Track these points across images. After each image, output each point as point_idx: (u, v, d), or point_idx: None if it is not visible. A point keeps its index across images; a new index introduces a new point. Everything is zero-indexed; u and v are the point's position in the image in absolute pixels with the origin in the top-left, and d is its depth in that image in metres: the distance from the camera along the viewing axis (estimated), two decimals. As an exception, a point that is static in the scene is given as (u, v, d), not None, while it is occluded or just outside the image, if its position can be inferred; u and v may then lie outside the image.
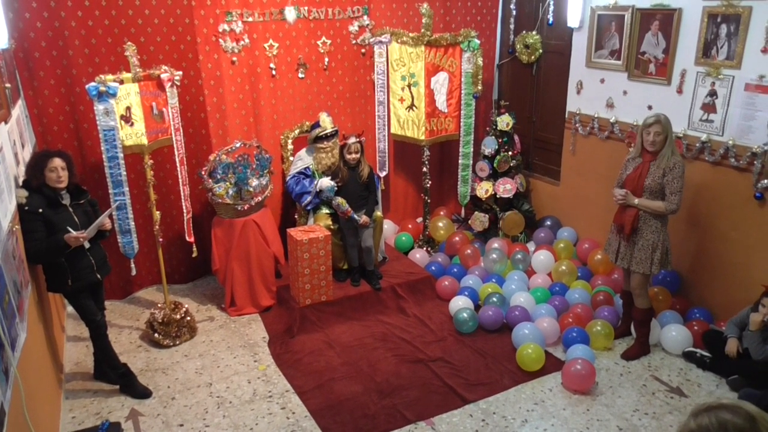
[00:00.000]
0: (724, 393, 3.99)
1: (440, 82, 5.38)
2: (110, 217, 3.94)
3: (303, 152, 5.31)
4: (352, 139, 5.02)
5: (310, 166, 5.20)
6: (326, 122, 5.15)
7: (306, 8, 5.29)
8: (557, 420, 3.80)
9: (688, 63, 4.59)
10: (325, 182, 5.08)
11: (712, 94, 4.46)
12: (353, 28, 5.57)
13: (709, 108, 4.50)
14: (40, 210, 3.53)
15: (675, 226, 4.47)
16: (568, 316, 4.63)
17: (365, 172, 5.13)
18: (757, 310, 3.92)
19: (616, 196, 4.20)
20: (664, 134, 4.00)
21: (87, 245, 3.76)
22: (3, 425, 2.31)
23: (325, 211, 5.18)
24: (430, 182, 5.82)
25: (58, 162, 3.62)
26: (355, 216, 4.99)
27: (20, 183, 3.64)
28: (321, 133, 5.12)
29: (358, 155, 5.07)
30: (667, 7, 4.65)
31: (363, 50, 5.69)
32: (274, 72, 5.31)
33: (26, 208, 3.48)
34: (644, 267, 4.18)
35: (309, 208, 5.21)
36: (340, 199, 4.97)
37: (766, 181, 4.20)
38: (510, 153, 6.01)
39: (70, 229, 3.55)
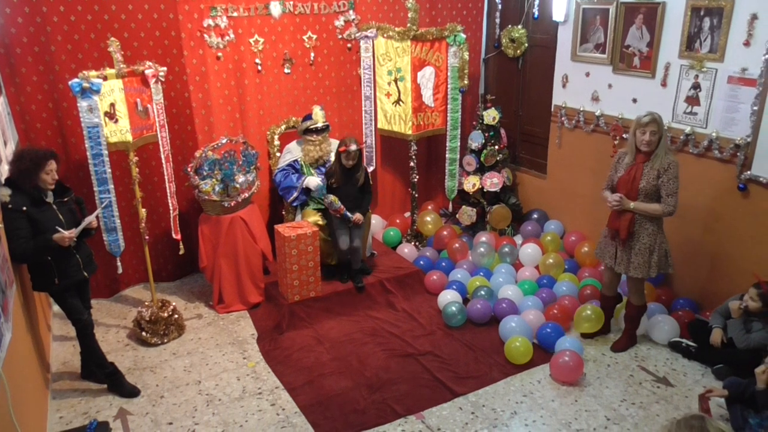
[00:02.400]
0: (710, 382, 4.04)
1: (426, 76, 5.38)
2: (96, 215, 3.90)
3: (293, 144, 5.32)
4: (353, 147, 4.87)
5: (299, 159, 5.20)
6: (318, 116, 5.14)
7: (291, 3, 5.26)
8: (546, 411, 3.83)
9: (672, 56, 4.62)
10: (313, 181, 5.07)
11: (696, 86, 4.50)
12: (339, 22, 5.55)
13: (692, 101, 4.54)
14: (24, 208, 3.48)
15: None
16: (553, 307, 4.66)
17: (362, 176, 5.06)
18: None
19: (611, 201, 4.06)
20: (659, 133, 3.90)
21: (72, 243, 3.72)
22: (-10, 426, 2.29)
23: (312, 207, 5.17)
24: (417, 177, 5.83)
25: (53, 164, 3.61)
26: (348, 214, 4.92)
27: (2, 181, 3.59)
28: (311, 126, 5.11)
29: (356, 161, 4.99)
30: (651, 1, 4.68)
31: (349, 45, 5.67)
32: (259, 67, 5.28)
33: (9, 206, 3.44)
34: (642, 272, 4.08)
35: (295, 204, 5.20)
36: (332, 197, 4.87)
37: (749, 172, 4.25)
38: (496, 147, 6.02)
39: (59, 229, 3.52)
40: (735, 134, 4.29)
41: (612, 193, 4.16)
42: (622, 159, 4.14)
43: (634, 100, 4.96)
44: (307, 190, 5.17)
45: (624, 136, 4.19)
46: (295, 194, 5.14)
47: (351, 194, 4.99)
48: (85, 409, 3.89)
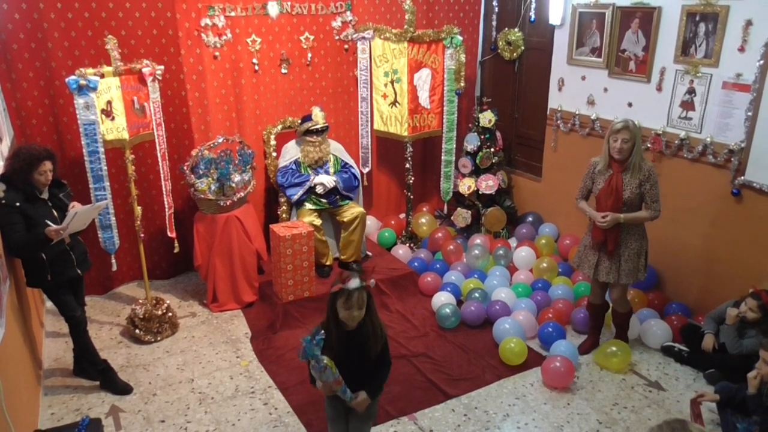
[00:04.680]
0: (702, 386, 4.05)
1: (423, 78, 5.40)
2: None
3: (292, 144, 5.34)
4: (354, 283, 2.65)
5: (298, 158, 5.21)
6: (318, 117, 5.16)
7: (289, 3, 5.27)
8: (538, 414, 3.84)
9: (668, 61, 4.65)
10: (326, 178, 5.10)
11: (691, 91, 4.52)
12: (336, 23, 5.56)
13: (687, 106, 4.57)
14: (17, 204, 3.49)
15: (652, 222, 4.52)
16: (548, 311, 4.67)
17: (377, 342, 2.80)
18: (739, 307, 3.97)
19: (600, 221, 3.94)
20: (631, 141, 3.81)
21: (68, 239, 3.72)
22: (-20, 421, 2.28)
23: (308, 206, 5.18)
24: (412, 178, 5.84)
25: (48, 165, 3.60)
26: (348, 391, 2.79)
27: (-2, 177, 3.60)
28: (311, 128, 5.13)
29: (363, 311, 2.73)
30: (647, 6, 4.70)
31: (346, 46, 5.68)
32: (256, 67, 5.29)
33: (3, 202, 3.44)
34: (633, 277, 4.06)
35: (295, 200, 5.20)
36: (326, 360, 2.67)
37: (742, 177, 4.28)
38: (492, 149, 6.04)
39: (49, 222, 3.51)
40: (729, 139, 4.32)
41: (586, 202, 4.16)
42: (598, 169, 4.04)
43: (630, 105, 4.99)
44: (307, 189, 5.19)
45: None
46: (300, 192, 5.15)
47: (354, 370, 2.79)
48: (77, 406, 3.89)
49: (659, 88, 4.74)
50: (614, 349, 4.24)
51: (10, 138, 4.48)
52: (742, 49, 4.15)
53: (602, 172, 4.01)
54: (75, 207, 3.67)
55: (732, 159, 4.31)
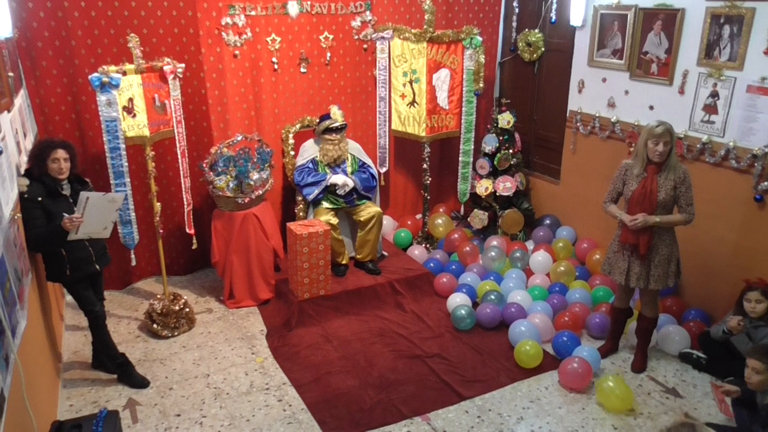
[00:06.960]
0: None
1: (442, 78, 5.39)
2: None
3: (309, 143, 5.37)
4: None
5: (316, 157, 5.23)
6: (337, 115, 5.19)
7: (309, 3, 5.29)
8: (552, 418, 3.81)
9: (691, 63, 4.59)
10: (340, 178, 5.13)
11: (714, 95, 4.46)
12: (356, 23, 5.57)
13: (710, 109, 4.51)
14: (39, 199, 3.54)
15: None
16: (564, 315, 4.64)
17: None
18: (742, 306, 3.93)
19: (630, 223, 3.89)
20: (671, 144, 3.82)
21: (85, 237, 3.76)
22: (3, 411, 2.32)
23: (325, 205, 5.19)
24: (430, 179, 5.83)
25: (61, 153, 3.63)
26: None
27: (22, 172, 3.66)
28: (330, 125, 5.16)
29: None
30: (670, 7, 4.65)
31: (365, 46, 5.69)
32: (276, 66, 5.32)
33: (25, 196, 3.50)
34: (662, 283, 4.00)
35: (317, 198, 5.23)
36: None
37: (766, 183, 4.21)
38: (510, 151, 6.01)
39: (65, 214, 3.53)
40: (753, 144, 4.25)
41: (615, 205, 4.10)
42: (630, 170, 3.99)
43: (651, 107, 4.93)
44: (324, 188, 5.20)
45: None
46: (317, 191, 5.16)
47: None
48: (95, 398, 3.94)
49: (681, 91, 4.69)
50: (611, 384, 3.83)
51: (34, 134, 4.55)
52: (767, 53, 4.09)
53: (636, 174, 3.95)
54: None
55: (755, 164, 4.24)
